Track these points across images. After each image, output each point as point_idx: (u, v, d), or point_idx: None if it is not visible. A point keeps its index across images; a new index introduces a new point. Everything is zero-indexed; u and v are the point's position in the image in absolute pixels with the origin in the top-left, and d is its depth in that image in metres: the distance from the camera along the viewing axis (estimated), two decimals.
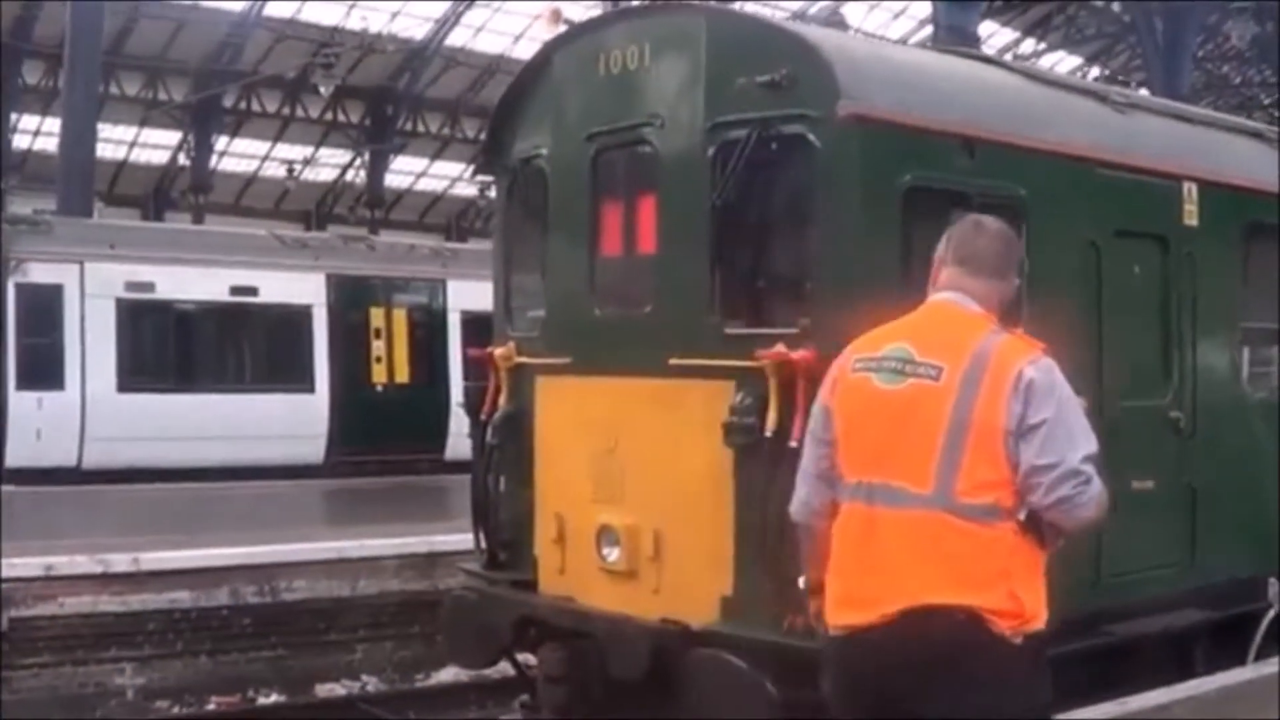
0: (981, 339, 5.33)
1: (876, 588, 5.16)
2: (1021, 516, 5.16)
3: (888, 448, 5.26)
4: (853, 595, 5.26)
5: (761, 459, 8.66)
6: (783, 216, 9.57)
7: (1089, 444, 5.19)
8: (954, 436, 5.14)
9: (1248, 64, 58.05)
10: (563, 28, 11.06)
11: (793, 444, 8.54)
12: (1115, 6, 51.48)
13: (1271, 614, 11.01)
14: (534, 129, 10.94)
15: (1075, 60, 59.12)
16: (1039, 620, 5.17)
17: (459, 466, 26.13)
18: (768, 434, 8.66)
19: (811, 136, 8.88)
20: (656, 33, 9.95)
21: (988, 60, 11.66)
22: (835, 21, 10.59)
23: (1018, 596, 5.10)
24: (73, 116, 30.20)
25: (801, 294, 9.12)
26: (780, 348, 8.65)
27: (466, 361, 28.32)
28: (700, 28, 9.57)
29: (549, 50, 11.07)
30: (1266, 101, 57.44)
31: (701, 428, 9.15)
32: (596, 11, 28.90)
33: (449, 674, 16.36)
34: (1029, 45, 58.64)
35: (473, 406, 11.20)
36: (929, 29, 45.85)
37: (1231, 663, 10.83)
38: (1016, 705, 5.14)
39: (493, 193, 49.27)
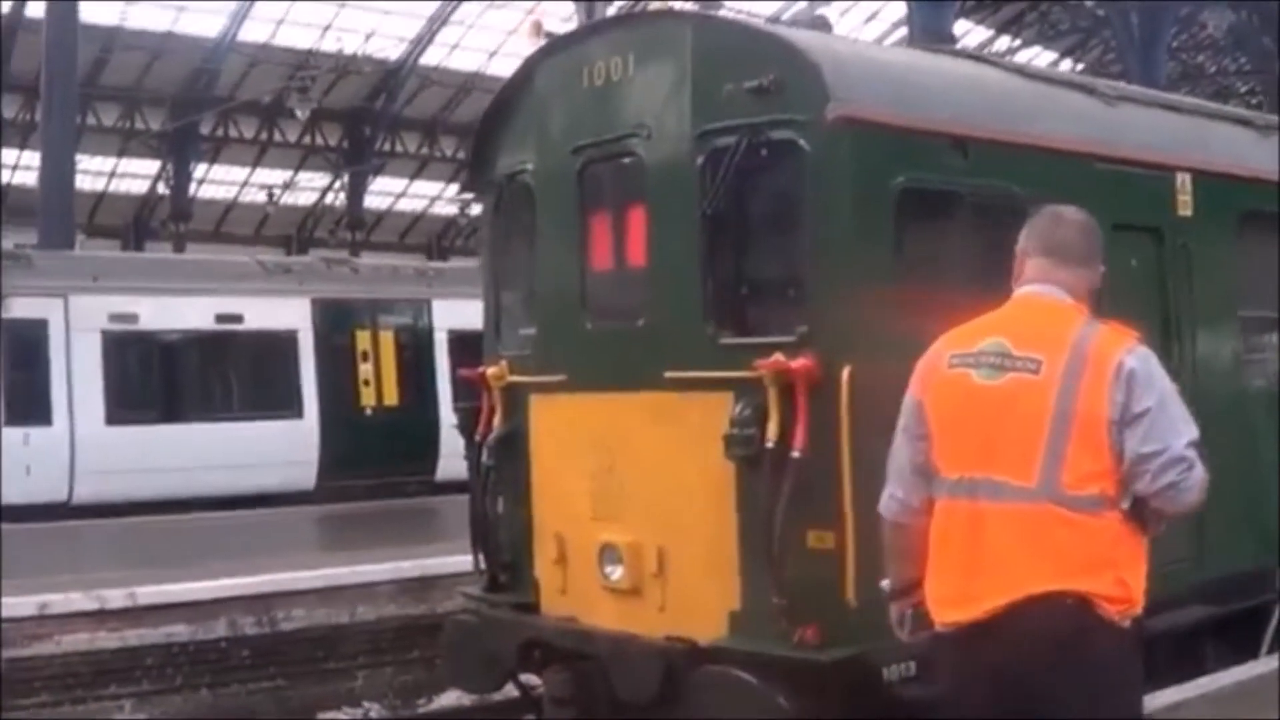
0: (1078, 330, 5.36)
1: (986, 582, 5.20)
2: (1125, 505, 5.20)
3: (990, 442, 5.28)
4: (962, 591, 5.28)
5: (764, 470, 8.54)
6: (775, 223, 9.44)
7: (1190, 430, 5.25)
8: (1058, 429, 5.17)
9: (1222, 53, 58.23)
10: (544, 41, 10.89)
11: (795, 454, 8.45)
12: (1089, 2, 51.55)
13: None
14: (518, 144, 10.82)
15: (1050, 56, 59.16)
16: (1140, 604, 5.25)
17: (450, 488, 26.22)
18: (769, 444, 8.54)
19: (801, 141, 8.78)
20: (640, 42, 9.84)
21: (975, 57, 11.57)
22: (819, 24, 10.45)
23: (1125, 582, 5.17)
24: (51, 149, 30.09)
25: (797, 301, 9.00)
26: (778, 357, 8.54)
27: (456, 382, 28.49)
28: (685, 35, 9.47)
29: (531, 64, 10.92)
30: (1243, 89, 57.62)
31: (701, 441, 9.02)
32: (573, 25, 28.92)
33: (451, 698, 16.20)
34: (1003, 43, 58.65)
35: (467, 428, 11.07)
36: (903, 31, 46.02)
37: (1242, 657, 10.73)
38: (1127, 686, 5.32)
39: (474, 210, 49.28)
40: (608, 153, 10.01)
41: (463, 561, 16.08)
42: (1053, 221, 5.70)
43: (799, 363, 8.47)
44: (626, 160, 9.88)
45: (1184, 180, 10.77)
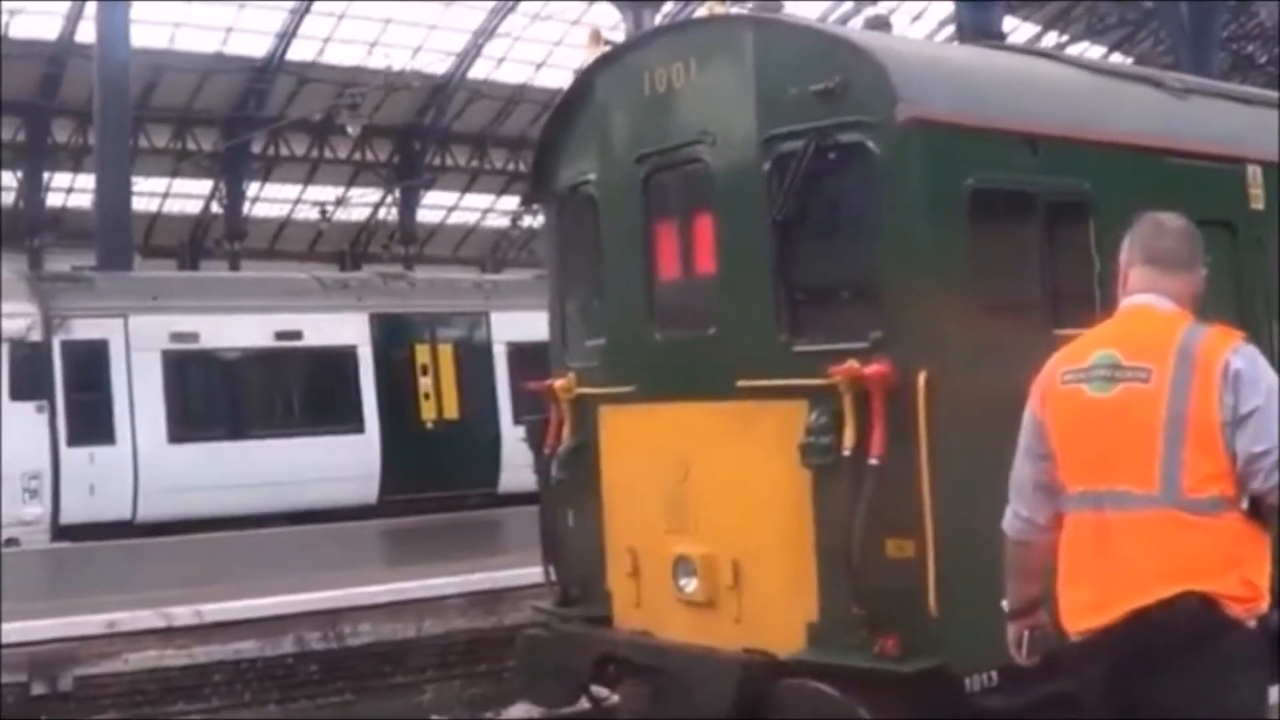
0: (1182, 335, 5.40)
1: (1116, 589, 5.26)
2: (1245, 504, 5.22)
3: (1109, 454, 5.34)
4: (1094, 600, 5.34)
5: (841, 478, 8.46)
6: (845, 227, 9.33)
7: None
8: (1172, 435, 5.22)
9: (1273, 42, 57.69)
10: (603, 49, 10.83)
11: (872, 461, 8.35)
12: None
13: None
14: (580, 155, 10.76)
15: (1099, 50, 58.75)
16: (1266, 601, 5.28)
17: (513, 500, 26.20)
18: (846, 452, 8.46)
19: (870, 143, 8.68)
20: (701, 47, 9.77)
21: (1038, 53, 11.46)
22: (879, 24, 10.36)
23: (1250, 581, 5.21)
24: (107, 171, 30.25)
25: (869, 306, 8.91)
26: (852, 363, 8.45)
27: (516, 394, 28.50)
28: (747, 39, 9.39)
29: (591, 74, 10.87)
30: None
31: (775, 450, 8.93)
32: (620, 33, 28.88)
33: (519, 710, 16.10)
34: (1051, 38, 58.29)
35: (536, 440, 11.02)
36: (949, 29, 45.81)
37: None
38: (1254, 683, 5.36)
39: (525, 221, 49.20)
40: (672, 160, 9.93)
41: (530, 574, 16.13)
42: (1154, 230, 5.75)
43: (874, 368, 8.37)
44: (692, 167, 9.80)
45: (1255, 173, 10.61)
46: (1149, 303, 5.57)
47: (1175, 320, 5.49)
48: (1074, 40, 58.77)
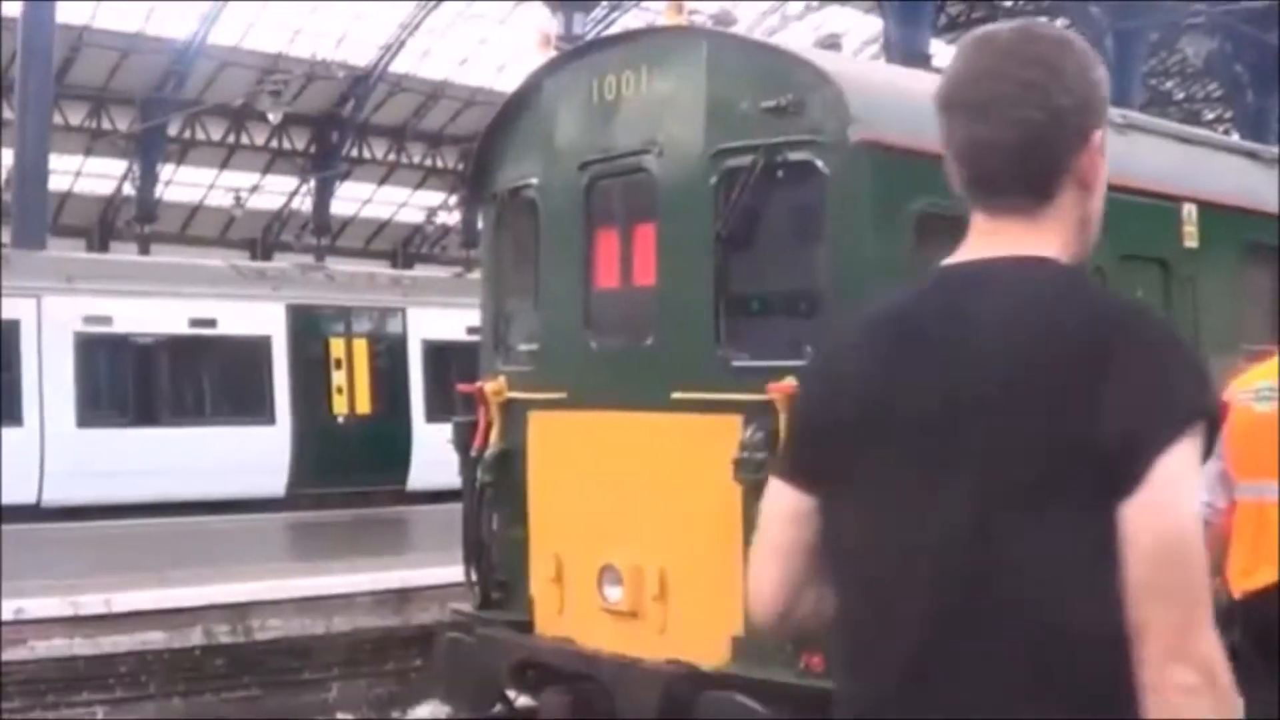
0: None
1: (1266, 561, 6.78)
2: None
3: (1268, 455, 6.78)
4: (1249, 568, 6.83)
5: None
6: (790, 245, 9.37)
7: None
8: None
9: (1191, 80, 58.41)
10: (553, 52, 10.79)
11: None
12: (1060, 23, 51.62)
13: None
14: (523, 157, 10.70)
15: None
16: None
17: (420, 497, 26.06)
18: None
19: (820, 163, 8.70)
20: (654, 57, 9.74)
21: None
22: (831, 43, 10.35)
23: None
24: (26, 148, 29.78)
25: (811, 324, 8.93)
26: (790, 380, 8.44)
27: (430, 391, 28.37)
28: (700, 52, 9.37)
29: (539, 76, 10.81)
30: (1210, 117, 57.81)
31: (708, 463, 8.91)
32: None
33: (426, 710, 16.06)
34: None
35: (462, 442, 10.93)
36: (874, 49, 46.02)
37: None
38: None
39: (440, 218, 48.90)
40: (617, 169, 9.91)
41: (440, 574, 16.09)
42: None
43: None
44: (636, 177, 9.79)
45: (1190, 211, 10.73)
46: None
47: None
48: None
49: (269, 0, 48.39)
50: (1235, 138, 36.04)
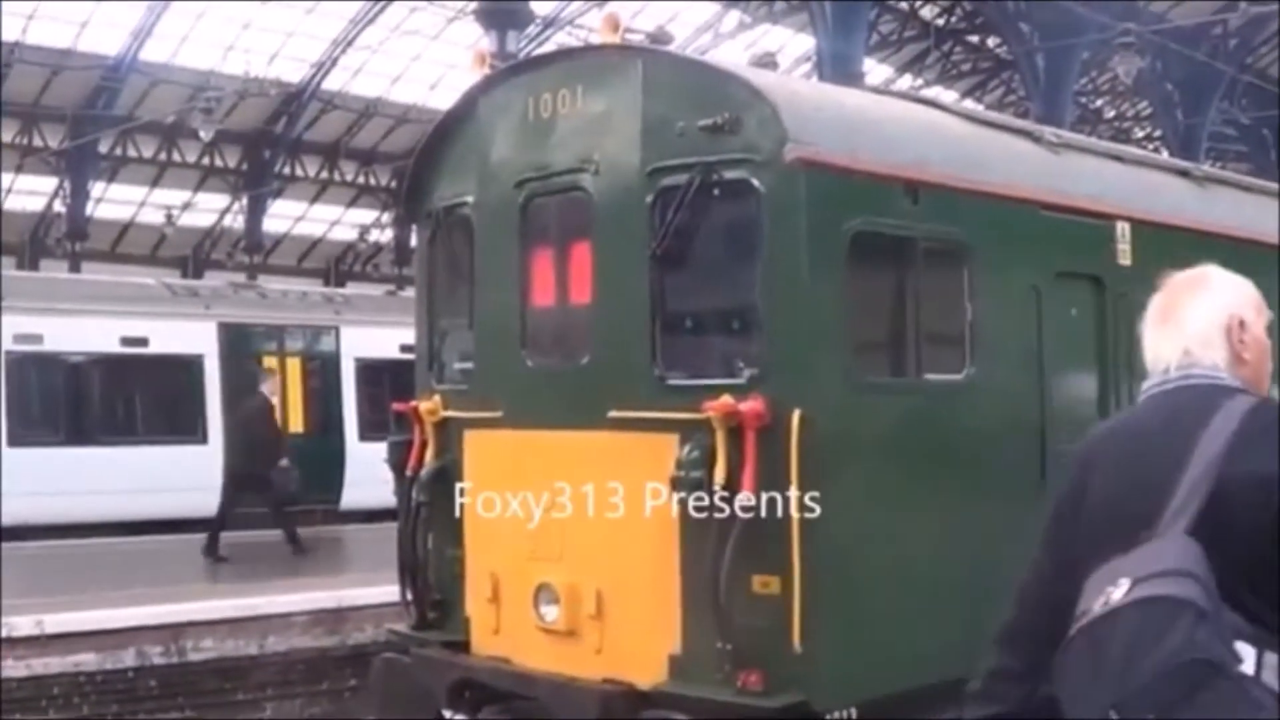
0: None
1: None
2: None
3: None
4: None
5: (710, 513, 8.42)
6: (726, 264, 9.35)
7: None
8: None
9: (1121, 98, 58.97)
10: (488, 70, 10.75)
11: (743, 497, 8.35)
12: (990, 42, 52.04)
13: None
14: (458, 175, 10.67)
15: (952, 95, 59.58)
16: None
17: (354, 516, 25.90)
18: (716, 488, 8.43)
19: (755, 181, 8.71)
20: (590, 75, 9.73)
21: (924, 102, 11.54)
22: (766, 62, 10.32)
23: None
24: None
25: (746, 343, 8.94)
26: (726, 399, 8.45)
27: (362, 410, 28.21)
28: (636, 70, 9.35)
29: (474, 94, 10.75)
30: (1139, 135, 58.39)
31: (644, 482, 8.90)
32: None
33: None
34: (906, 81, 59.00)
35: (398, 462, 10.88)
36: (806, 67, 46.19)
37: None
38: None
39: (373, 235, 48.64)
40: (552, 187, 9.88)
41: (373, 594, 16.01)
42: None
43: (748, 405, 8.39)
44: (572, 195, 9.76)
45: (1124, 229, 10.81)
46: None
47: None
48: (927, 85, 59.55)
49: (201, 17, 48.05)
50: (1165, 155, 36.49)
